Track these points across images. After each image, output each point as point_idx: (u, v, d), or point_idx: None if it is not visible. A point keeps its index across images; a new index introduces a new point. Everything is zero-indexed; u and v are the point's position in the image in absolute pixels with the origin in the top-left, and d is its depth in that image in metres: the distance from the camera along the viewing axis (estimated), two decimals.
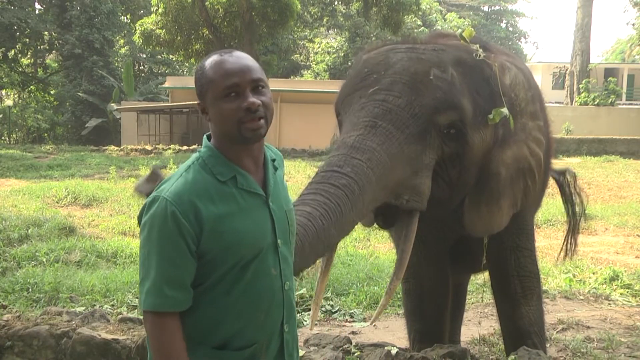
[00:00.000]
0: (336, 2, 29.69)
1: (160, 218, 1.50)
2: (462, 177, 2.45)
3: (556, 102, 27.53)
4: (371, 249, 7.29)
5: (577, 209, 3.72)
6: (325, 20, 31.52)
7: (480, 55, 2.48)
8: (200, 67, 1.59)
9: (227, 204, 1.55)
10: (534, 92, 2.79)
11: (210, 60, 1.58)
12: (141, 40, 22.34)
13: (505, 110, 2.43)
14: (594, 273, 5.97)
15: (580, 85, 26.51)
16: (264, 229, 1.60)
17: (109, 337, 3.30)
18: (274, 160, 1.70)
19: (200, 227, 1.51)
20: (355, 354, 3.04)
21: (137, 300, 4.80)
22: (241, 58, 1.58)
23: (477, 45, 2.55)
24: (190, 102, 22.62)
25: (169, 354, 1.52)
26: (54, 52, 32.84)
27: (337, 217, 2.04)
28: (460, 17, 38.97)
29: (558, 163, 16.06)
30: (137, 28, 23.09)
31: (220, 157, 1.59)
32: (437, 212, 2.49)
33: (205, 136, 1.65)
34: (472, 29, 2.63)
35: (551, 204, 9.96)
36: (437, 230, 2.84)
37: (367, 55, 2.57)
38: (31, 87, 32.93)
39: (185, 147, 19.78)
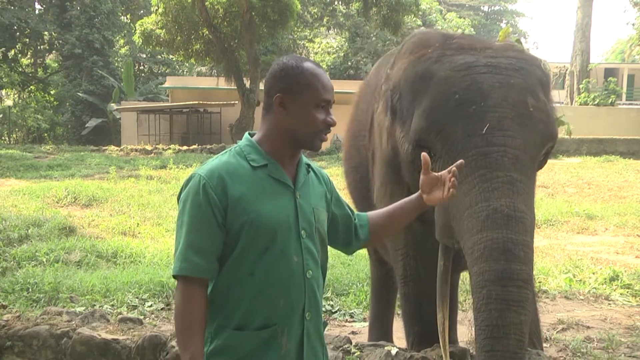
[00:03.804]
0: (336, 2, 29.66)
1: (194, 191, 1.68)
2: None
3: (556, 102, 27.48)
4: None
5: None
6: (325, 20, 31.51)
7: (546, 67, 2.42)
8: (297, 66, 1.72)
9: (253, 186, 1.69)
10: None
11: (309, 66, 1.73)
12: (141, 40, 22.30)
13: (563, 119, 2.40)
14: (594, 273, 5.97)
15: (580, 85, 26.52)
16: (285, 215, 1.71)
17: (109, 337, 3.30)
18: (308, 165, 1.85)
19: (226, 201, 1.66)
20: (355, 354, 3.04)
21: (137, 300, 4.81)
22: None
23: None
24: (190, 102, 22.68)
25: (184, 318, 1.64)
26: (54, 52, 32.85)
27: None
28: (460, 17, 38.95)
29: (558, 163, 15.93)
30: (137, 28, 23.05)
31: (258, 148, 1.75)
32: None
33: (247, 133, 1.82)
34: (509, 28, 2.56)
35: (551, 204, 9.97)
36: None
37: (441, 70, 2.32)
38: (31, 87, 32.92)
39: (185, 147, 19.78)
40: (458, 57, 2.33)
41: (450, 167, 1.88)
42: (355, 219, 1.98)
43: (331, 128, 1.76)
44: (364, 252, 7.33)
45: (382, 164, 2.72)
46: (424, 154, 1.84)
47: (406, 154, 2.42)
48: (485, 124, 2.15)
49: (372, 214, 2.01)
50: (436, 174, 1.88)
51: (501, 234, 2.02)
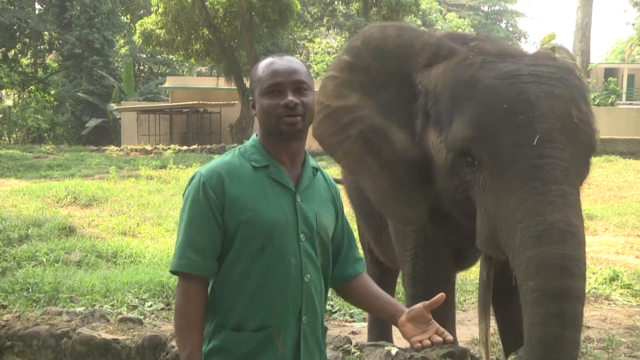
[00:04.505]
0: (336, 2, 29.67)
1: (194, 189, 1.70)
2: None
3: None
4: None
5: None
6: (325, 20, 31.52)
7: (581, 75, 2.42)
8: (254, 67, 1.78)
9: (252, 186, 1.70)
10: None
11: (263, 62, 1.77)
12: (141, 40, 22.32)
13: (596, 127, 2.42)
14: (594, 273, 5.97)
15: None
16: (283, 217, 1.70)
17: (109, 337, 3.30)
18: (316, 169, 1.83)
19: (223, 200, 1.68)
20: (355, 354, 3.04)
21: (137, 300, 4.81)
22: (289, 61, 1.74)
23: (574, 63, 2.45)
24: (190, 102, 22.68)
25: (183, 315, 1.67)
26: (54, 52, 32.85)
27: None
28: (460, 17, 38.96)
29: None
30: (137, 28, 23.07)
31: (261, 148, 1.76)
32: None
33: (255, 133, 1.83)
34: (555, 33, 2.55)
35: None
36: (450, 234, 2.79)
37: (486, 78, 2.28)
38: (31, 87, 32.93)
39: (185, 147, 19.78)
40: (502, 65, 2.30)
41: (443, 332, 1.74)
42: (348, 254, 1.91)
43: (300, 107, 1.68)
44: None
45: (395, 166, 2.62)
46: (440, 295, 1.77)
47: (445, 160, 2.37)
48: (535, 135, 2.14)
49: (365, 278, 1.93)
50: (429, 317, 1.75)
51: (558, 250, 2.02)
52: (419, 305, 1.75)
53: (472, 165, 2.28)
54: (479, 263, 3.19)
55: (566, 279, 1.99)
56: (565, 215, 2.06)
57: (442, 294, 1.75)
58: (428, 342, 1.70)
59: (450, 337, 1.72)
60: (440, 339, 1.71)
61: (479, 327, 2.40)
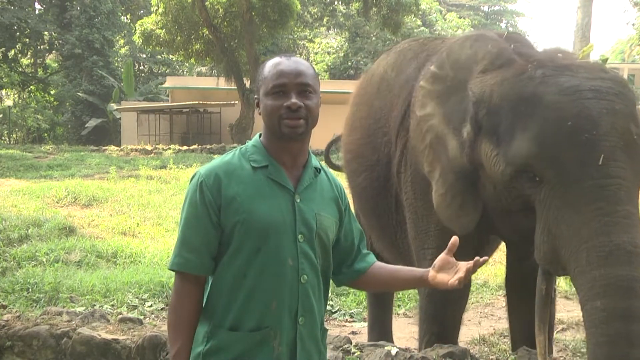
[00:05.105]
0: (336, 2, 29.67)
1: (192, 189, 1.72)
2: None
3: None
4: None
5: None
6: (325, 20, 31.52)
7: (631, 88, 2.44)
8: (262, 66, 1.77)
9: (250, 187, 1.70)
10: None
11: (271, 61, 1.75)
12: (141, 40, 22.32)
13: None
14: None
15: None
16: (280, 217, 1.69)
17: (109, 337, 3.30)
18: (318, 170, 1.83)
19: (220, 201, 1.68)
20: (355, 354, 3.04)
21: (137, 300, 4.81)
22: (297, 62, 1.73)
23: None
24: (190, 102, 22.69)
25: (175, 313, 1.71)
26: (54, 52, 32.86)
27: None
28: (460, 17, 38.98)
29: None
30: (137, 28, 23.08)
31: (262, 148, 1.76)
32: None
33: (258, 134, 1.82)
34: (592, 45, 2.53)
35: None
36: (476, 233, 2.76)
37: (548, 94, 2.27)
38: (31, 87, 32.93)
39: (185, 147, 19.79)
40: (562, 80, 2.30)
41: (474, 261, 1.75)
42: (359, 249, 1.92)
43: (303, 110, 1.68)
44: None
45: (449, 173, 2.63)
46: (454, 238, 1.79)
47: (503, 174, 2.36)
48: (599, 153, 2.15)
49: (378, 263, 1.94)
50: (453, 260, 1.76)
51: (625, 272, 2.05)
52: (440, 255, 1.77)
53: (533, 181, 2.28)
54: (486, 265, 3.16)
55: (633, 300, 2.03)
56: (630, 237, 2.09)
57: (456, 238, 1.78)
58: (462, 274, 1.72)
59: (481, 259, 1.74)
60: (470, 265, 1.72)
61: (537, 340, 2.40)
